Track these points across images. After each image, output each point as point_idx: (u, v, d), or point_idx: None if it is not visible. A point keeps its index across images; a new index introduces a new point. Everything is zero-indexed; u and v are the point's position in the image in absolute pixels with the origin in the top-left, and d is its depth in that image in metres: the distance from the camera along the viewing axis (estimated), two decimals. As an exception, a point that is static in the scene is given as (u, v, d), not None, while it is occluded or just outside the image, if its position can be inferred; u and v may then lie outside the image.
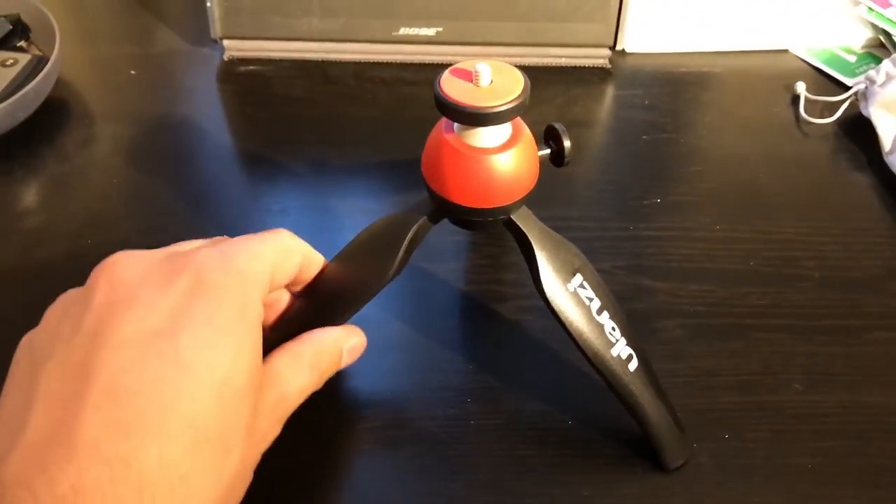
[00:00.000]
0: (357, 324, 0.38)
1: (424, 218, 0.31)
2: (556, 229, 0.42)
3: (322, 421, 0.34)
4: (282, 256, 0.30)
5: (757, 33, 0.57)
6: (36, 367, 0.25)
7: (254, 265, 0.28)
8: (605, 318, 0.31)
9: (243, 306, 0.27)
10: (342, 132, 0.49)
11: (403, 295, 0.39)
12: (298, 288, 0.33)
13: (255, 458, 0.28)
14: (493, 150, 0.29)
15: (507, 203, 0.30)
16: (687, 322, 0.38)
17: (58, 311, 0.27)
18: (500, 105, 0.27)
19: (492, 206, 0.30)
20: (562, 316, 0.30)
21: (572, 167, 0.46)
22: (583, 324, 0.30)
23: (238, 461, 0.26)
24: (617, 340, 0.31)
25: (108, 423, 0.23)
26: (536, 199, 0.43)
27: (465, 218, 0.31)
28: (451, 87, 0.27)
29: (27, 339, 0.27)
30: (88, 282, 0.27)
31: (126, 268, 0.27)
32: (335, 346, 0.31)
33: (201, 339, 0.25)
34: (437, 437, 0.33)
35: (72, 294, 0.28)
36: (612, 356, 0.31)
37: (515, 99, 0.27)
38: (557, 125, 0.34)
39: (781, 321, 0.38)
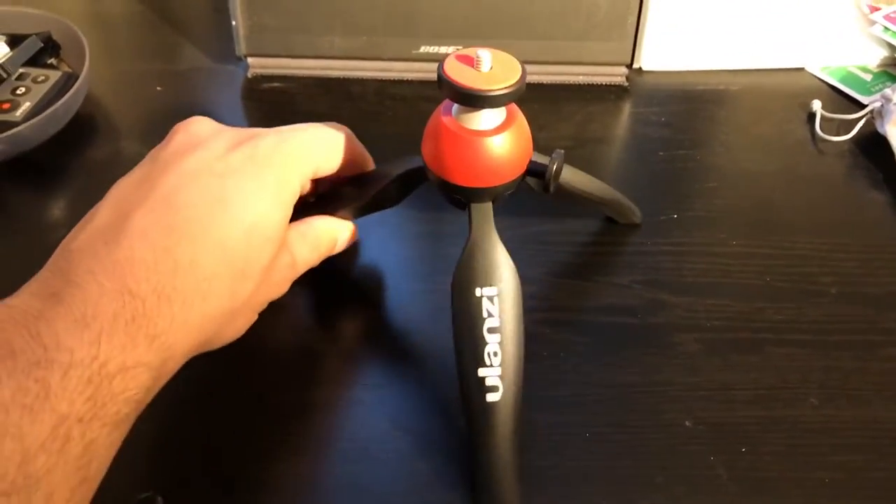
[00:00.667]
0: (385, 335, 0.38)
1: (404, 169, 0.36)
2: (574, 243, 0.43)
3: (341, 430, 0.35)
4: (328, 152, 0.36)
5: (773, 52, 0.58)
6: (116, 186, 0.32)
7: (301, 152, 0.34)
8: (491, 340, 0.30)
9: (284, 181, 0.33)
10: (363, 148, 0.50)
11: (426, 305, 0.40)
12: (338, 175, 0.38)
13: (262, 300, 0.34)
14: (475, 133, 0.31)
15: (465, 185, 0.32)
16: (704, 336, 0.38)
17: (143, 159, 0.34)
18: (496, 90, 0.29)
19: (451, 182, 0.32)
20: (453, 309, 0.31)
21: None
22: (466, 329, 0.31)
23: (250, 291, 0.31)
24: (490, 365, 0.30)
25: (156, 222, 0.29)
26: (555, 214, 0.44)
27: (439, 188, 0.34)
28: (453, 69, 0.30)
29: None
30: (170, 133, 0.34)
31: (202, 125, 0.34)
32: (331, 235, 0.37)
33: (243, 189, 0.31)
34: (458, 447, 0.34)
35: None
36: (475, 376, 0.30)
37: (511, 86, 0.29)
38: (557, 153, 0.34)
39: (798, 336, 0.39)
